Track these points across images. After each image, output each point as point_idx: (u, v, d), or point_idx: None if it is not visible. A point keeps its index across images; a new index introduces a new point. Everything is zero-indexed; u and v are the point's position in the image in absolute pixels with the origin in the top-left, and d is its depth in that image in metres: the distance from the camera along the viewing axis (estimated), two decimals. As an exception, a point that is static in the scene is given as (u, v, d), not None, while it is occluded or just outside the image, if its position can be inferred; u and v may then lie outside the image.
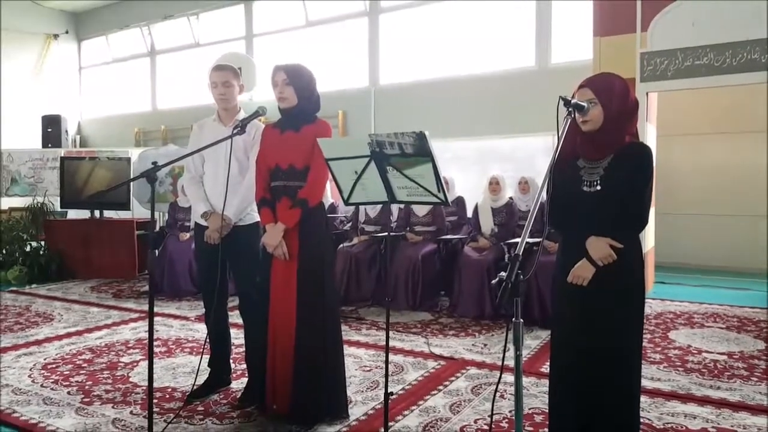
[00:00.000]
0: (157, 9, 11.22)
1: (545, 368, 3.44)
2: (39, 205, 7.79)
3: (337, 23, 9.45)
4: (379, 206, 5.55)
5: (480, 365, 3.62)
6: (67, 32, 12.23)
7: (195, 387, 3.09)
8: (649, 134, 5.60)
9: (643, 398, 2.76)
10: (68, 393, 3.21)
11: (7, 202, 8.68)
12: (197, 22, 10.94)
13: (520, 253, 1.57)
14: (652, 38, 5.44)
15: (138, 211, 7.58)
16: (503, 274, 1.55)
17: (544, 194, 1.99)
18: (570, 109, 2.01)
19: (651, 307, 5.15)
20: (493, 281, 1.56)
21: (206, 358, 3.21)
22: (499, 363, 3.54)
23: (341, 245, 5.53)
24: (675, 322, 4.70)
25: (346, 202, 2.47)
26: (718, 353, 3.85)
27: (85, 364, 3.72)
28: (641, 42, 5.48)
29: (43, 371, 3.59)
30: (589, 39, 5.90)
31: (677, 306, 5.25)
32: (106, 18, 11.99)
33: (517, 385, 1.66)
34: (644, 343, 3.76)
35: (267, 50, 10.13)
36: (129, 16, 11.65)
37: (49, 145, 9.98)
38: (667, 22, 5.37)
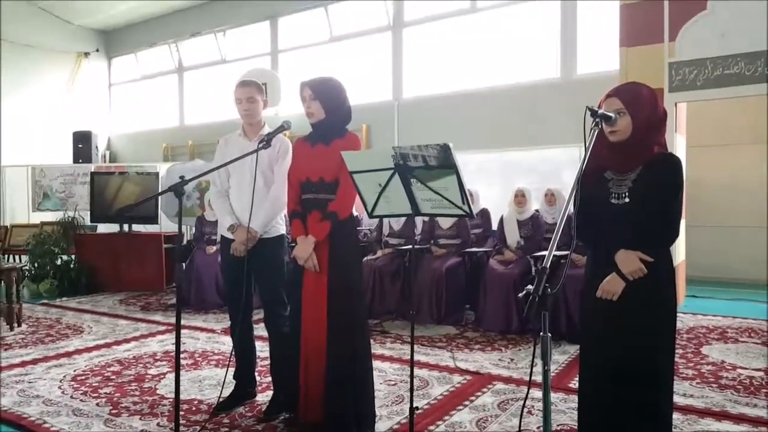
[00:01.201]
0: (184, 27, 11.47)
1: (574, 384, 3.37)
2: (70, 219, 7.95)
3: (360, 38, 9.54)
4: (403, 219, 5.54)
5: (507, 380, 3.56)
6: (97, 50, 12.57)
7: (221, 399, 3.10)
8: (678, 145, 5.50)
9: (675, 415, 2.68)
10: (97, 404, 3.25)
11: (39, 217, 8.89)
12: (224, 38, 11.14)
13: (548, 266, 1.55)
14: (680, 48, 5.36)
15: (166, 224, 7.69)
16: (530, 287, 1.53)
17: (571, 207, 1.96)
18: (597, 120, 1.98)
19: (682, 321, 5.02)
20: (520, 294, 1.54)
21: (232, 370, 3.23)
22: (527, 378, 3.49)
23: (365, 258, 5.53)
24: (708, 336, 4.57)
25: (371, 215, 2.47)
26: (753, 369, 3.73)
27: (114, 376, 3.76)
28: (669, 51, 5.41)
29: (72, 383, 3.64)
30: (616, 49, 5.83)
31: (710, 320, 5.11)
32: (136, 36, 12.29)
33: (546, 400, 1.62)
34: (676, 359, 3.67)
35: (292, 65, 10.26)
36: (157, 34, 11.92)
37: (80, 161, 10.22)
38: (696, 32, 5.29)
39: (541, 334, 1.56)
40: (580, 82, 7.39)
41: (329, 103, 2.73)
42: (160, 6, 11.33)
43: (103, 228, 8.19)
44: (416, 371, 3.65)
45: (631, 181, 2.10)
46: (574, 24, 7.65)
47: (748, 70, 5.07)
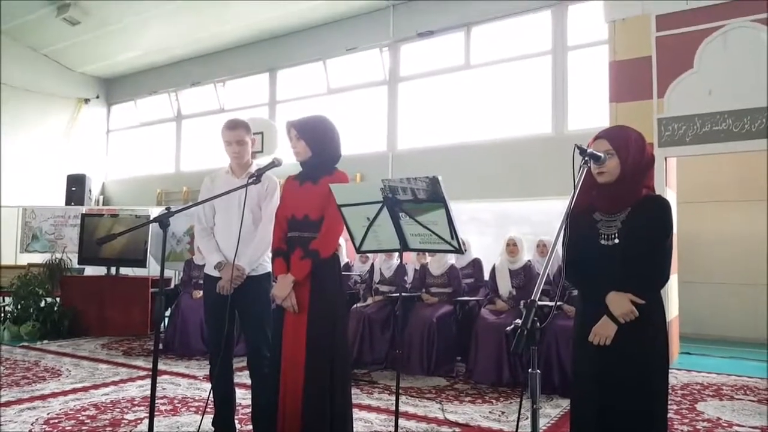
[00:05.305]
0: (185, 76, 11.68)
1: (566, 437, 3.25)
2: (57, 261, 7.83)
3: (357, 90, 9.73)
4: (395, 266, 5.49)
5: (497, 433, 3.44)
6: (98, 97, 12.73)
7: (197, 446, 2.97)
8: (669, 200, 5.52)
9: (672, 471, 2.57)
10: (67, 449, 3.10)
11: (27, 258, 8.77)
12: (223, 88, 11.34)
13: (537, 300, 1.51)
14: (668, 104, 5.46)
15: (154, 269, 7.56)
16: (518, 321, 1.48)
17: (559, 248, 1.93)
18: (586, 158, 1.98)
19: (677, 377, 4.91)
20: (508, 328, 1.49)
21: (210, 417, 3.10)
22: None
23: (355, 305, 5.44)
24: (702, 393, 4.46)
25: (358, 250, 2.43)
26: (750, 427, 3.61)
27: (88, 420, 3.61)
28: (658, 107, 5.51)
29: (45, 426, 3.49)
30: (605, 105, 5.94)
31: (704, 377, 5.00)
32: (137, 84, 12.49)
33: (535, 443, 1.55)
34: (671, 414, 3.56)
35: (290, 115, 10.39)
36: (158, 83, 12.12)
37: (72, 204, 10.17)
38: (684, 89, 5.40)
39: (530, 370, 1.50)
40: (571, 138, 7.44)
41: (314, 142, 2.74)
42: (163, 56, 11.56)
43: (90, 271, 8.07)
44: (404, 423, 3.53)
45: (621, 222, 2.09)
46: (565, 81, 7.83)
47: (735, 126, 5.16)
